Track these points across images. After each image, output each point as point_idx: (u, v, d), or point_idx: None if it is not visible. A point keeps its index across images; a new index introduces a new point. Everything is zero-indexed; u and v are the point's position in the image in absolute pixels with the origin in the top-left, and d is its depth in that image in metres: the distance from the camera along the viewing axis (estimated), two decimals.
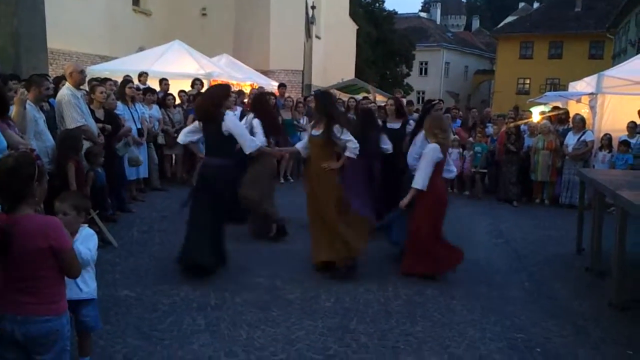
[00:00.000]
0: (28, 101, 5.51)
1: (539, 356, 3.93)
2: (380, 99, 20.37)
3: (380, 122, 7.31)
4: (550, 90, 27.30)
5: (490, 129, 11.18)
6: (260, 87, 13.28)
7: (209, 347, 3.83)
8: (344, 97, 16.52)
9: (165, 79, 10.94)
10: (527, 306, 4.92)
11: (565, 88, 17.67)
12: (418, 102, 33.72)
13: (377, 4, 41.45)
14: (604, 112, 9.98)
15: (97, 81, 8.62)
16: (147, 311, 4.40)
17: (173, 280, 5.14)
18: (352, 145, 5.46)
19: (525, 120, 11.14)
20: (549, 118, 11.09)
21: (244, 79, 14.90)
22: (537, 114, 12.23)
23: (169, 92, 10.42)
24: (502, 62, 42.13)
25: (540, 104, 14.72)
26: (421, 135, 5.82)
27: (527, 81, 41.44)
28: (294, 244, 6.44)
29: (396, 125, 7.16)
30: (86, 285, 3.19)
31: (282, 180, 10.79)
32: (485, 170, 10.53)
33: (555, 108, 11.72)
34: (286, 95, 12.46)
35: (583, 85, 11.36)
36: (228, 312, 4.47)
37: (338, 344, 3.98)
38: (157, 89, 10.38)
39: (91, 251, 3.03)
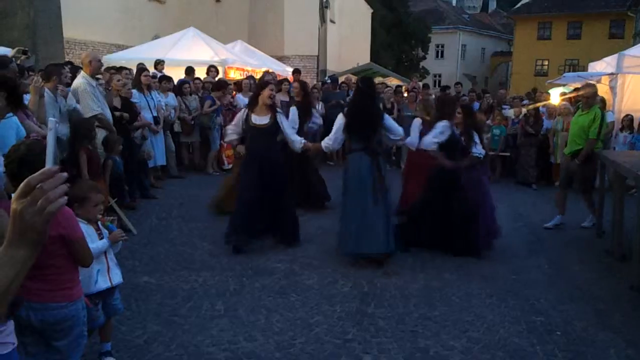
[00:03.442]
0: (47, 90, 5.55)
1: (559, 339, 3.90)
2: (396, 82, 20.23)
3: None
4: (569, 72, 26.83)
5: (508, 111, 11.03)
6: (272, 73, 13.18)
7: (228, 332, 3.87)
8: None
9: (192, 68, 11.04)
10: (546, 289, 4.88)
11: (584, 69, 17.35)
12: (435, 86, 33.41)
13: None
14: (625, 92, 9.79)
15: (113, 70, 8.67)
16: (167, 297, 4.45)
17: (192, 266, 5.19)
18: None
19: (544, 102, 10.98)
20: (569, 99, 10.92)
21: (259, 65, 14.85)
22: (556, 95, 12.04)
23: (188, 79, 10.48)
24: (520, 44, 41.42)
25: (559, 85, 14.48)
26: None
27: (546, 62, 40.72)
28: (310, 229, 6.45)
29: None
30: (116, 273, 3.23)
31: None
32: (508, 154, 10.39)
33: (575, 89, 11.51)
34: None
35: (603, 66, 11.14)
36: (247, 297, 4.50)
37: (356, 328, 3.99)
38: (182, 76, 10.50)
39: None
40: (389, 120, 5.65)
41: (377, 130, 5.48)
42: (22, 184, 1.07)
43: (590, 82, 8.09)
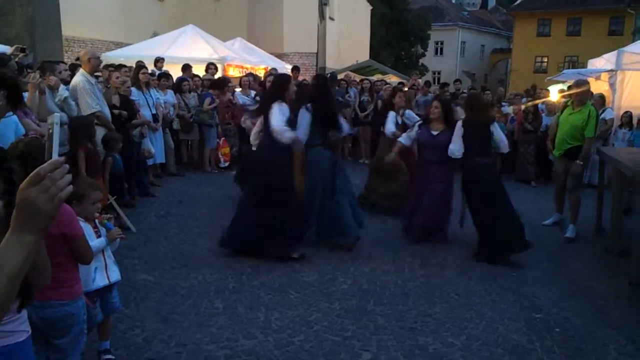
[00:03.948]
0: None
1: (558, 336, 3.91)
2: (396, 80, 20.20)
3: None
4: (568, 68, 26.80)
5: (507, 108, 11.03)
6: (273, 69, 13.17)
7: (227, 329, 3.86)
8: (358, 78, 16.40)
9: (188, 65, 11.02)
10: (546, 286, 4.88)
11: (584, 66, 17.35)
12: (434, 83, 33.36)
13: None
14: (624, 89, 9.78)
15: (112, 68, 8.65)
16: (166, 295, 4.44)
17: (191, 264, 5.18)
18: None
19: (543, 99, 10.98)
20: (568, 96, 10.90)
21: (258, 62, 14.85)
22: (555, 92, 12.03)
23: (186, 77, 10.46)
24: (519, 41, 41.39)
25: (558, 82, 14.47)
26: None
27: (545, 59, 40.70)
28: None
29: None
30: (113, 271, 3.23)
31: None
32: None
33: (570, 87, 11.52)
34: (300, 78, 12.39)
35: (602, 62, 11.14)
36: (246, 294, 4.50)
37: (356, 326, 3.99)
38: (180, 74, 10.49)
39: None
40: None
41: (336, 125, 5.74)
42: (32, 174, 1.13)
43: (582, 79, 7.77)
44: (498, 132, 5.84)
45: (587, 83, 6.85)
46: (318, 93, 5.87)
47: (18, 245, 1.16)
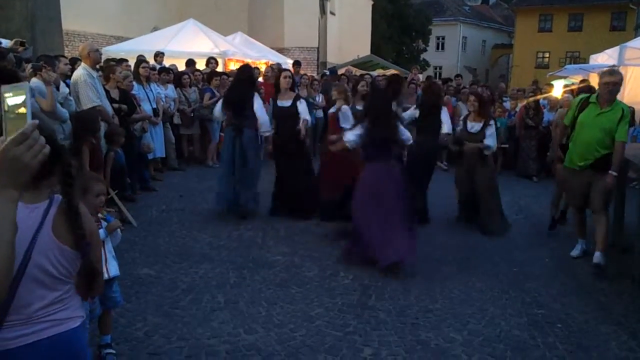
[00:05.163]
0: (39, 81, 5.51)
1: (560, 332, 3.90)
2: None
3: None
4: (570, 64, 26.73)
5: (508, 104, 11.00)
6: (278, 64, 13.13)
7: (229, 324, 3.86)
8: (359, 73, 16.36)
9: (193, 61, 11.06)
10: (547, 282, 4.87)
11: (585, 61, 17.32)
12: (435, 78, 33.29)
13: None
14: (626, 84, 9.75)
15: (113, 62, 8.62)
16: (167, 289, 4.44)
17: (192, 258, 5.17)
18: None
19: (545, 95, 10.94)
20: (571, 91, 10.87)
21: (259, 57, 14.81)
22: (559, 87, 12.00)
23: (187, 71, 10.44)
24: (521, 36, 41.27)
25: (560, 77, 14.45)
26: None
27: (547, 55, 40.60)
28: (311, 221, 6.45)
29: (287, 102, 6.55)
30: (113, 265, 3.23)
31: None
32: (506, 146, 10.37)
33: (582, 81, 11.46)
34: (301, 72, 12.35)
35: (604, 58, 11.11)
36: (247, 289, 4.49)
37: (357, 321, 3.98)
38: (182, 68, 10.48)
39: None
40: (258, 105, 6.43)
41: (243, 111, 6.34)
42: (17, 134, 1.27)
43: (613, 68, 6.34)
44: (445, 116, 6.66)
45: (621, 74, 5.38)
46: (234, 80, 6.90)
47: (8, 199, 1.31)
